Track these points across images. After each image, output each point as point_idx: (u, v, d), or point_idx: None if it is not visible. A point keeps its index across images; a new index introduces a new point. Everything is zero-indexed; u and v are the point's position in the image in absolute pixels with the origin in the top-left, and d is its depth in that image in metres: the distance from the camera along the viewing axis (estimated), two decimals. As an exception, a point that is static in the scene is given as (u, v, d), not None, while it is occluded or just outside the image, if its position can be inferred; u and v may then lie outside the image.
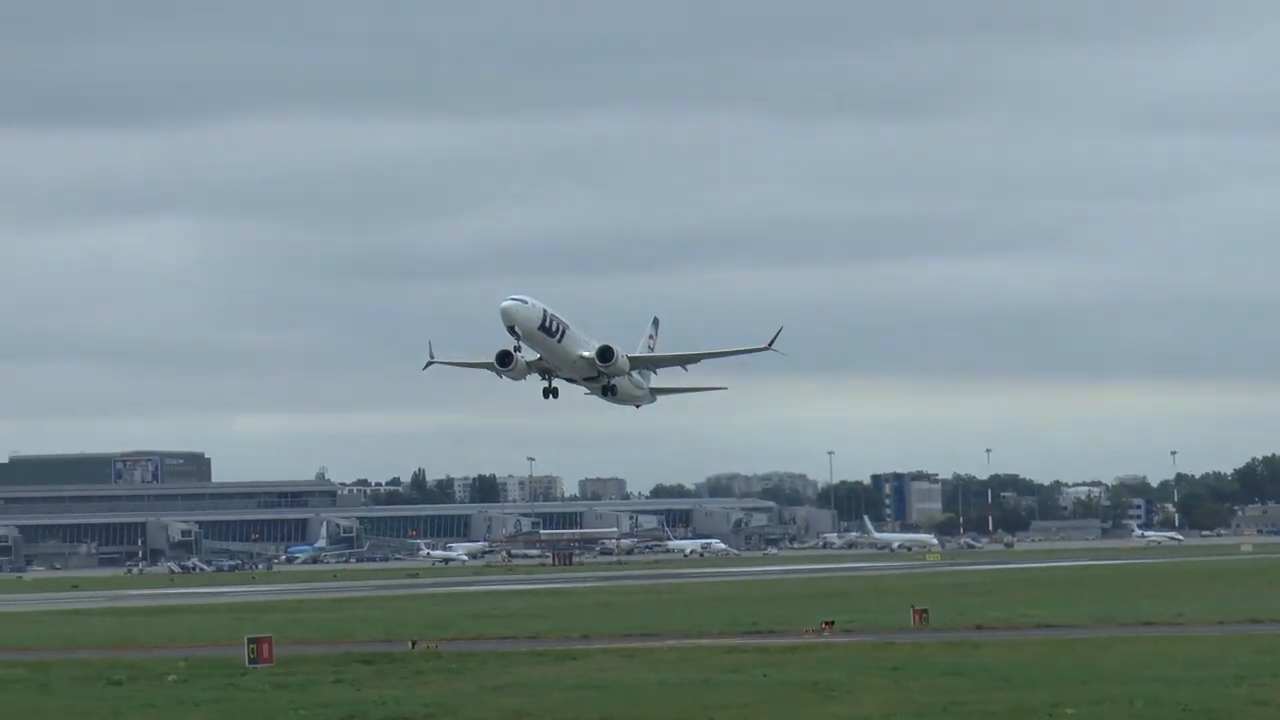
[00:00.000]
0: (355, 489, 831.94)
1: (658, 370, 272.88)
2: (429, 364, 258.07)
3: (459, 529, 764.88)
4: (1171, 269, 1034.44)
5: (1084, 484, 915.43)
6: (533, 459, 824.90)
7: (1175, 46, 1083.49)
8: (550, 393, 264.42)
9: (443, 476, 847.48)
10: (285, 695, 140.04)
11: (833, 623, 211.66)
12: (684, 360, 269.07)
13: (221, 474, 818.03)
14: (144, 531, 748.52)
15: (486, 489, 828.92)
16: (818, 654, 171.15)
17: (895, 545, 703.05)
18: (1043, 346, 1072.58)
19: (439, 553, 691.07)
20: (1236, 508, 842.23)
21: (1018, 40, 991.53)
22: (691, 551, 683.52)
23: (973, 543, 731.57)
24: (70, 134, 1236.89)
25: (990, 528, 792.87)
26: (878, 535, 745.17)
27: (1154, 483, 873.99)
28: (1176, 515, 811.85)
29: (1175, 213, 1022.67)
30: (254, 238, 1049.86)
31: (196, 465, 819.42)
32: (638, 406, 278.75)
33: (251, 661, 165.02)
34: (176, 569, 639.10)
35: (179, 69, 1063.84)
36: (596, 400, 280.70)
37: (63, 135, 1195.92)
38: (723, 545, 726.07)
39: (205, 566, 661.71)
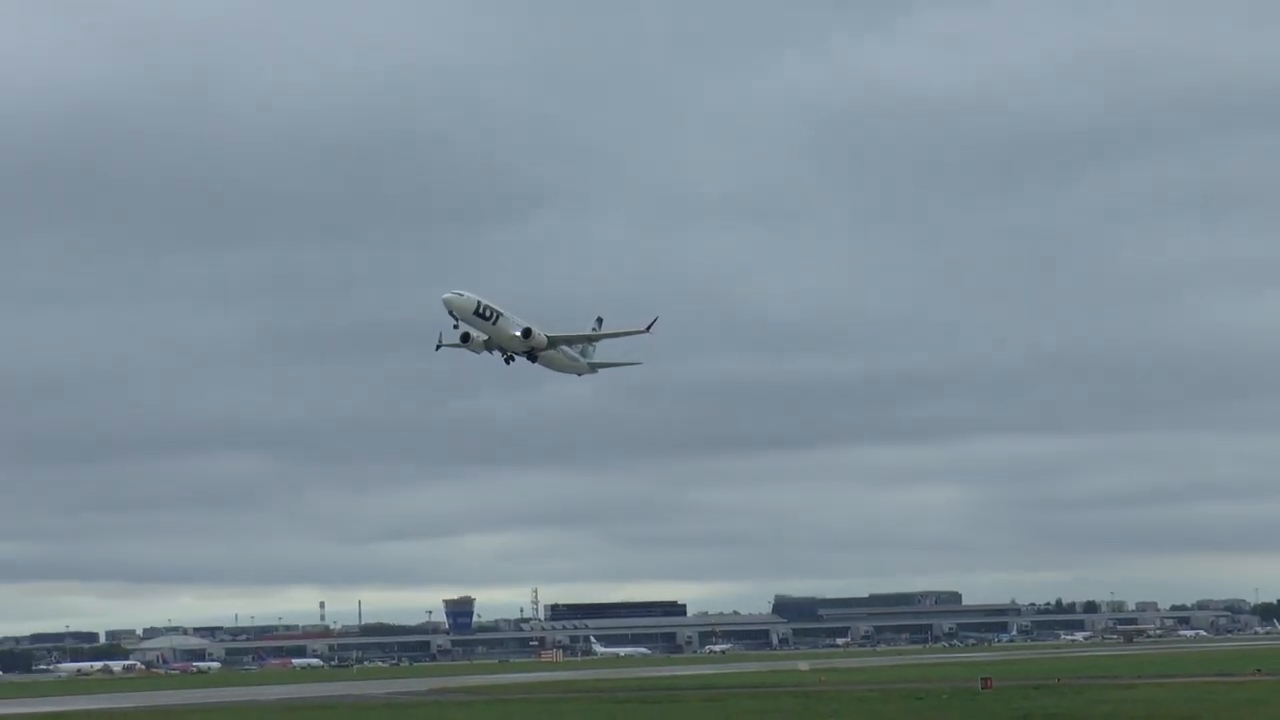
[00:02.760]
0: (1027, 607, 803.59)
1: (587, 352, 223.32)
2: (439, 347, 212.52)
3: (1076, 625, 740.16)
4: None
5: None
6: (1113, 592, 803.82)
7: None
8: (508, 360, 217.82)
9: (1079, 600, 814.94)
10: (997, 704, 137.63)
11: (1260, 670, 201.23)
12: (587, 339, 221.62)
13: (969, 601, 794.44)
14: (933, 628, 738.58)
15: (1089, 607, 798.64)
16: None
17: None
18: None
19: (1067, 636, 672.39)
20: None
21: None
22: (1190, 636, 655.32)
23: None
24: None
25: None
26: None
27: None
28: None
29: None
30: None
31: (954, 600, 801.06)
32: (579, 375, 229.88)
33: (982, 688, 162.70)
34: (948, 644, 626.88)
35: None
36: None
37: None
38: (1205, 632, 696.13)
39: (957, 644, 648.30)
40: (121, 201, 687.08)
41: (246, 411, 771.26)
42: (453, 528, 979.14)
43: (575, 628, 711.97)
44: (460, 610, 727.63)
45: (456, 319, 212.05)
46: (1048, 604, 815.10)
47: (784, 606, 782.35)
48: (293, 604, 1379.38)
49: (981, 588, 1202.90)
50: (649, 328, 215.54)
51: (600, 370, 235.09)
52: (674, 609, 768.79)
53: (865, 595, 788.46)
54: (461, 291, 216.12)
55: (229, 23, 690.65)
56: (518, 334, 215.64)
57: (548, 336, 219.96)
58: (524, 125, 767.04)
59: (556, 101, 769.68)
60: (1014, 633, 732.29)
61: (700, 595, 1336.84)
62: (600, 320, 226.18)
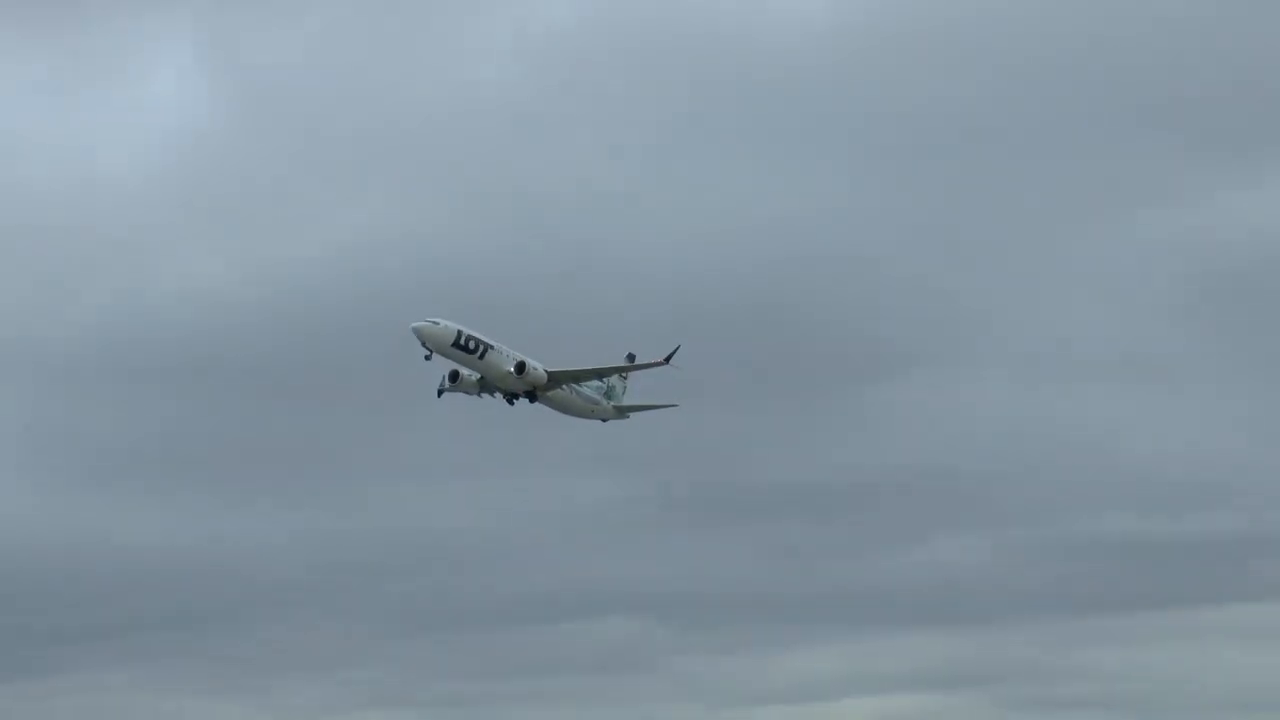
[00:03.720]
0: None
1: (614, 394, 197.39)
2: (441, 393, 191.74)
3: None
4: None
5: None
6: None
7: None
8: (510, 401, 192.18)
9: None
10: None
11: None
12: (598, 374, 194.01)
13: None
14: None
15: None
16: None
17: None
18: None
19: None
20: None
21: None
22: None
23: None
24: None
25: None
26: None
27: None
28: None
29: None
30: None
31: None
32: (604, 420, 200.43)
33: None
34: None
35: None
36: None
37: None
38: None
39: None
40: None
41: (626, 576, 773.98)
42: (830, 691, 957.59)
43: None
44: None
45: (430, 351, 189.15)
46: None
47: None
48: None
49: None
50: (668, 358, 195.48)
51: (631, 415, 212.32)
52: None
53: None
54: (437, 320, 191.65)
55: (601, 193, 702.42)
56: (510, 369, 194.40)
57: (548, 372, 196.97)
58: (900, 286, 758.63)
59: (932, 262, 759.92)
60: None
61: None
62: (632, 357, 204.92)
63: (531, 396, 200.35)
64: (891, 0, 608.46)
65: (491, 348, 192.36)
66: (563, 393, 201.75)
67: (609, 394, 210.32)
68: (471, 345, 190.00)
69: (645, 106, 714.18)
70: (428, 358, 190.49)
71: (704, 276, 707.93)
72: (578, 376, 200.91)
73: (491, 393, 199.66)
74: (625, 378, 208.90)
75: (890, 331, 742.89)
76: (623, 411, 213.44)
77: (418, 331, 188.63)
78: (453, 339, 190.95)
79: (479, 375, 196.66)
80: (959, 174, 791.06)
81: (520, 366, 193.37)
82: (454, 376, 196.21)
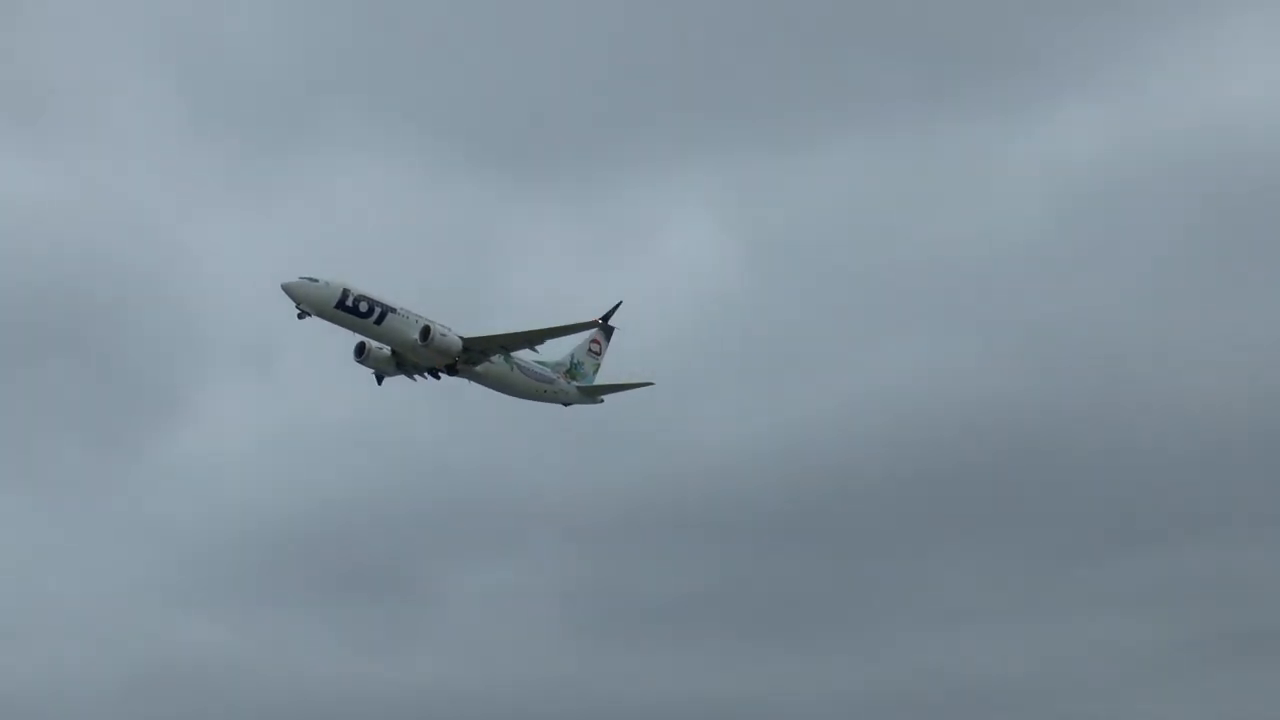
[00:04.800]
0: None
1: (578, 372, 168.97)
2: (380, 379, 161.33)
3: None
4: None
5: None
6: None
7: None
8: (436, 375, 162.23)
9: None
10: None
11: None
12: (528, 339, 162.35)
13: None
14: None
15: None
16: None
17: None
18: None
19: None
20: None
21: None
22: None
23: None
24: None
25: None
26: None
27: None
28: None
29: None
30: None
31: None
32: (566, 405, 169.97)
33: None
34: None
35: None
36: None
37: None
38: None
39: None
40: (1035, 512, 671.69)
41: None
42: None
43: None
44: None
45: (304, 313, 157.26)
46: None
47: None
48: None
49: None
50: (606, 317, 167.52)
51: (604, 399, 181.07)
52: None
53: None
54: (316, 277, 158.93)
55: (1121, 327, 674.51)
56: (415, 336, 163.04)
57: (465, 339, 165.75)
58: None
59: None
60: None
61: None
62: (607, 319, 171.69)
63: (453, 369, 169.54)
64: None
65: (392, 311, 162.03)
66: (498, 368, 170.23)
67: (572, 372, 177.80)
68: (364, 308, 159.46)
69: (1168, 236, 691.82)
70: (300, 317, 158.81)
71: (1233, 401, 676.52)
72: (506, 343, 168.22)
73: (423, 373, 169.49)
74: (598, 355, 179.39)
75: None
76: (592, 394, 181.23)
77: (288, 289, 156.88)
78: (336, 299, 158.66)
79: (389, 348, 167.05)
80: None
81: (425, 332, 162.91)
82: (360, 350, 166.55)
